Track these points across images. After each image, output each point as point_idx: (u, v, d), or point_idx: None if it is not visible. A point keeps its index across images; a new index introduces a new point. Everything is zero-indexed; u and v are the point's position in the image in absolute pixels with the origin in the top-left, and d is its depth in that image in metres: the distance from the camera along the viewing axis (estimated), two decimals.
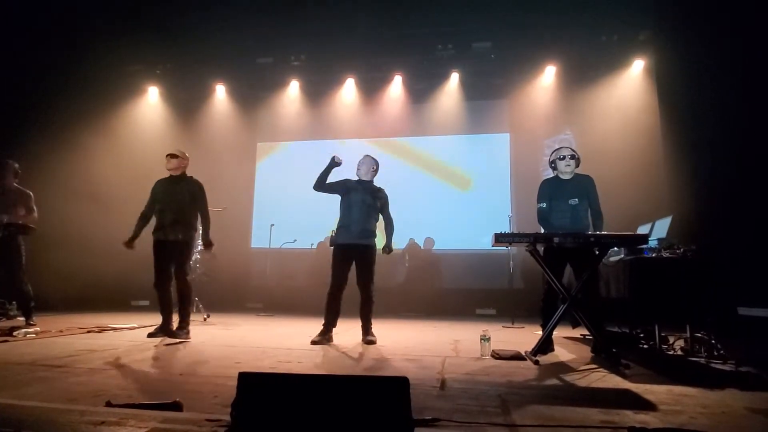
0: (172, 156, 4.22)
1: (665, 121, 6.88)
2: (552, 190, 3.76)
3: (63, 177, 6.98)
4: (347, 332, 4.22)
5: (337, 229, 4.14)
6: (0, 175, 4.63)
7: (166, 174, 4.27)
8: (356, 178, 4.20)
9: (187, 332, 4.01)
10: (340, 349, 3.52)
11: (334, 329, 3.96)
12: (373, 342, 3.84)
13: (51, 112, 7.19)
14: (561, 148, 3.83)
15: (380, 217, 4.23)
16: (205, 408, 1.83)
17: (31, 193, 4.75)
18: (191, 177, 4.34)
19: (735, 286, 3.86)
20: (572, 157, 3.72)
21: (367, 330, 3.98)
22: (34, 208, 4.74)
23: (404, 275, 8.17)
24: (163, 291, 4.05)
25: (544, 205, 3.75)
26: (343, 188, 4.14)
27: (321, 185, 4.11)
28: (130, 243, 4.06)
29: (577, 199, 3.66)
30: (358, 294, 4.05)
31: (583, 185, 3.72)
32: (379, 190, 4.21)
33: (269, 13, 7.47)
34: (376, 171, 4.23)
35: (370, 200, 4.09)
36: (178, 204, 4.13)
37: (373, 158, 4.24)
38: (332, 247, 4.13)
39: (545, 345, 3.37)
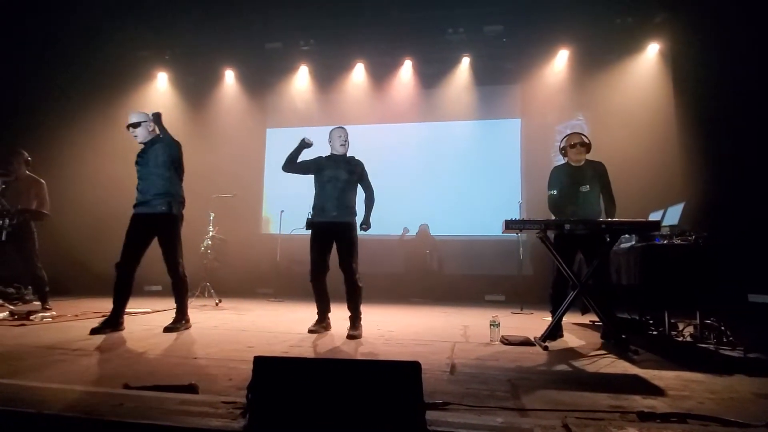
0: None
1: (680, 107, 6.78)
2: (563, 176, 3.73)
3: (75, 163, 7.07)
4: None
5: (312, 210, 3.79)
6: (11, 164, 4.69)
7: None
8: (327, 153, 3.88)
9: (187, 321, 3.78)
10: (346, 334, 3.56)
11: (329, 314, 3.81)
12: (356, 337, 3.41)
13: (63, 99, 7.25)
14: (571, 134, 3.78)
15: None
16: (220, 390, 1.88)
17: (43, 182, 4.81)
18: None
19: (745, 273, 3.83)
20: (582, 144, 3.67)
21: (353, 322, 3.59)
22: (47, 198, 4.80)
23: (418, 261, 8.19)
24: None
25: (555, 192, 3.72)
26: (315, 166, 3.83)
27: (290, 165, 3.80)
28: None
29: (588, 186, 3.62)
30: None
31: (595, 172, 3.68)
32: (351, 161, 3.86)
33: None
34: (348, 142, 3.89)
35: (346, 175, 3.74)
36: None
37: (344, 129, 3.89)
38: (309, 231, 3.79)
39: (554, 331, 3.38)
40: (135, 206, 3.73)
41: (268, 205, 9.25)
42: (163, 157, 3.71)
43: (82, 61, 7.51)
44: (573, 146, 3.69)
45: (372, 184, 3.91)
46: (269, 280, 8.20)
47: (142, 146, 3.83)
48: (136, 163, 3.80)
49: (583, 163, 3.71)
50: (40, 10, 6.89)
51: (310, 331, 3.60)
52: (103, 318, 3.57)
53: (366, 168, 3.91)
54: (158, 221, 3.65)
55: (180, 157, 3.81)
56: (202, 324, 4.00)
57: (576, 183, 3.66)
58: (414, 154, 8.71)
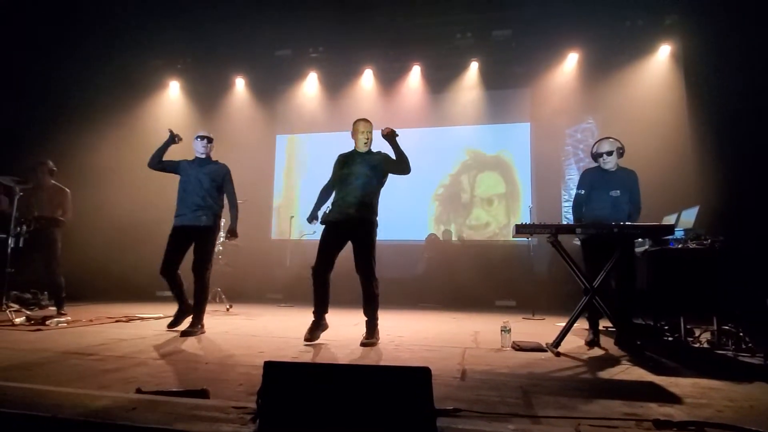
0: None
1: (692, 109, 6.69)
2: (594, 180, 3.72)
3: (93, 170, 7.16)
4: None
5: (330, 206, 3.61)
6: (35, 173, 4.82)
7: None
8: (350, 150, 3.74)
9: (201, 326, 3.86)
10: (360, 340, 3.55)
11: (326, 315, 3.51)
12: (372, 344, 3.29)
13: (79, 107, 7.37)
14: (602, 141, 3.74)
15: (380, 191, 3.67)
16: (230, 395, 1.88)
17: (67, 191, 4.93)
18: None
19: (763, 277, 3.75)
20: (609, 153, 3.64)
21: (369, 331, 3.41)
22: (70, 206, 4.91)
23: (423, 267, 8.17)
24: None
25: (582, 192, 3.72)
26: (339, 165, 3.70)
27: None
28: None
29: (619, 191, 3.61)
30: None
31: (627, 179, 3.67)
32: (375, 154, 3.67)
33: (287, 5, 7.48)
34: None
35: (368, 171, 3.54)
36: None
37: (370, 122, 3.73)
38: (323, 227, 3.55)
39: (595, 338, 3.43)
40: (177, 217, 3.96)
41: (278, 211, 9.30)
42: (219, 179, 4.05)
43: (98, 71, 7.63)
44: (600, 155, 3.68)
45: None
46: (280, 286, 8.23)
47: (194, 159, 4.10)
48: (185, 175, 4.02)
49: (615, 168, 3.69)
50: (56, 20, 7.02)
51: (307, 340, 3.33)
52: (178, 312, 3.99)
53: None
54: (201, 232, 3.90)
55: (231, 182, 4.15)
56: (214, 329, 4.01)
57: (607, 187, 3.65)
58: (422, 159, 8.68)
